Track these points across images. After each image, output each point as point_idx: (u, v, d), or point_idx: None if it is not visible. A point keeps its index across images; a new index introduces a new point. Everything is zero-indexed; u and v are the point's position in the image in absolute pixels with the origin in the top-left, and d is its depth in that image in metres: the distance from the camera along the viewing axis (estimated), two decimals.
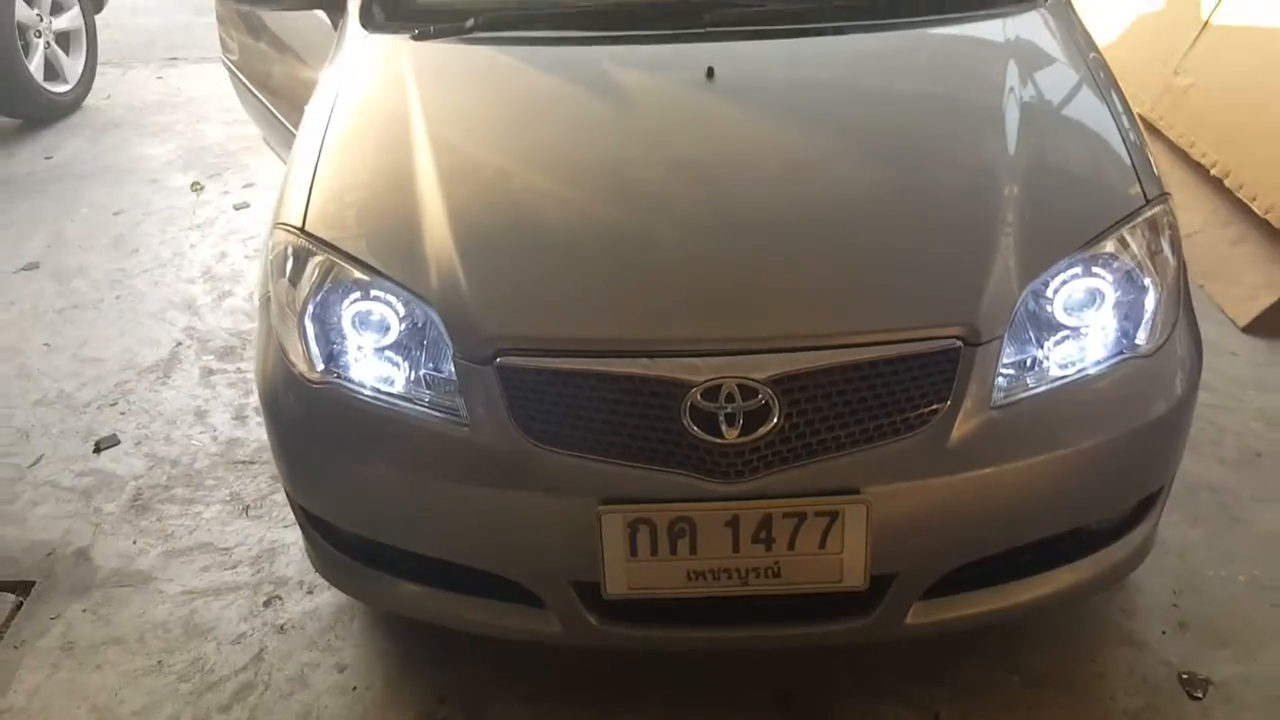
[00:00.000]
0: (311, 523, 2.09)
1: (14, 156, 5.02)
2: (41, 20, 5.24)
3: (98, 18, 5.76)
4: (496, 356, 1.78)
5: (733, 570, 1.80)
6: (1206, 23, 3.82)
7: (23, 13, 5.06)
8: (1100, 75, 2.28)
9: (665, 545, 1.77)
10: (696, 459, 1.75)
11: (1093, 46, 2.40)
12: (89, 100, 5.63)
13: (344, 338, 1.93)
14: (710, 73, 2.20)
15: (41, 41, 5.25)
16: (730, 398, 1.72)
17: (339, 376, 1.91)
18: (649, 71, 2.31)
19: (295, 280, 1.97)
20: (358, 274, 1.92)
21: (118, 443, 2.97)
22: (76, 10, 5.49)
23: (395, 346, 1.91)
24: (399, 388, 1.88)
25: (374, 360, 1.91)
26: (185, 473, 2.85)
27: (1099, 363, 1.86)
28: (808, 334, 1.76)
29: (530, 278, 1.87)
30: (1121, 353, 1.87)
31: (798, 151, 2.08)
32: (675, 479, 1.75)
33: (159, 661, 2.28)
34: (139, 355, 3.38)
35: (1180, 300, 1.96)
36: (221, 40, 3.94)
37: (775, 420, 1.73)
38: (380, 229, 2.00)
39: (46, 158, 5.00)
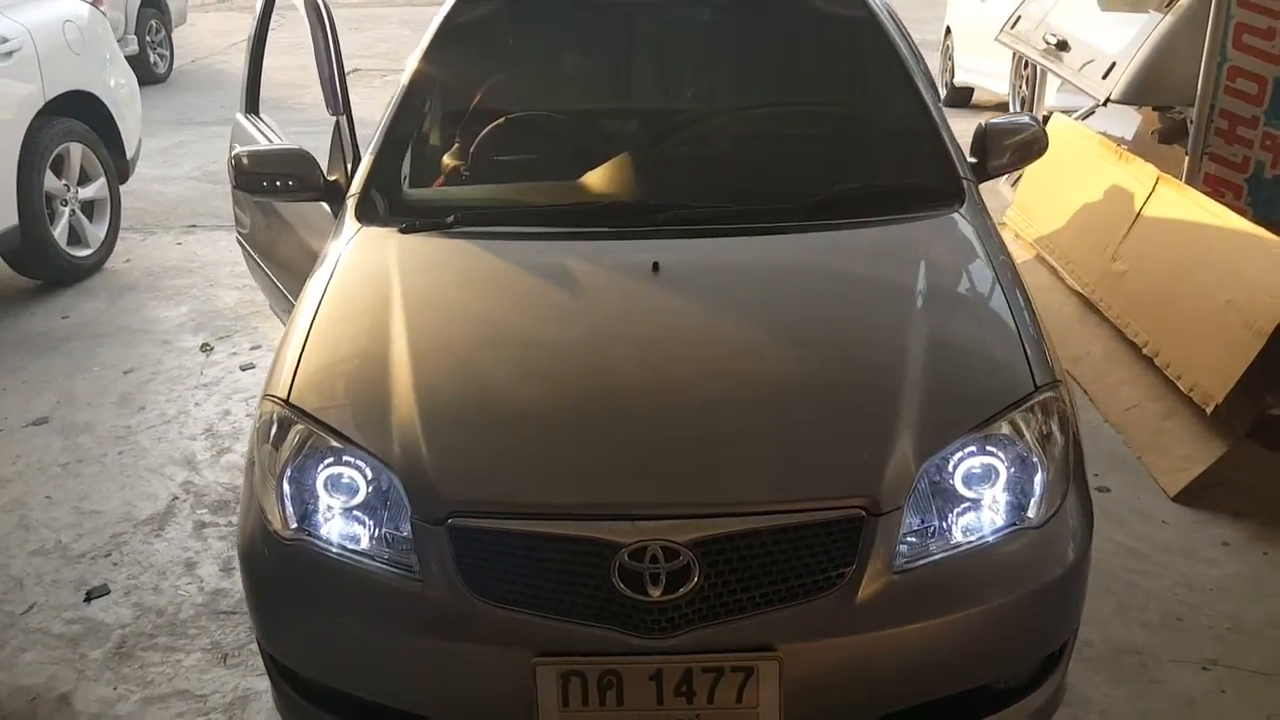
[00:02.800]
0: (279, 670, 2.26)
1: (33, 315, 5.33)
2: (69, 190, 5.63)
3: (125, 185, 6.17)
4: (449, 518, 2.00)
5: None
6: (1139, 214, 4.15)
7: (51, 183, 5.44)
8: (1005, 275, 2.54)
9: (595, 696, 1.95)
10: (624, 615, 1.94)
11: (1002, 249, 2.68)
12: (109, 263, 5.98)
13: (317, 499, 2.14)
14: (656, 266, 2.49)
15: (67, 210, 5.63)
16: (655, 559, 1.93)
17: (309, 534, 2.12)
18: (602, 264, 2.60)
19: (277, 445, 2.20)
20: (333, 442, 2.15)
21: (108, 592, 3.14)
22: (103, 181, 5.89)
23: (363, 507, 2.12)
24: (363, 545, 2.09)
25: (342, 520, 2.12)
26: (170, 621, 3.02)
27: (993, 533, 2.07)
28: (725, 502, 1.98)
29: (482, 448, 2.11)
30: (1014, 524, 2.08)
31: (727, 338, 2.34)
32: (605, 634, 1.94)
33: None
34: (136, 508, 3.58)
35: (1070, 475, 2.17)
36: (235, 215, 4.29)
37: (695, 580, 1.93)
38: (355, 402, 2.24)
39: (64, 317, 5.31)
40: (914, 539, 2.04)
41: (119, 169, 6.05)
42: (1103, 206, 4.47)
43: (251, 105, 4.09)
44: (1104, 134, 5.11)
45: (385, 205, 2.88)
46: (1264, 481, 3.53)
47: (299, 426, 2.19)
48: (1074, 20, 5.07)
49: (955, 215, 2.74)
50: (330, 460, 2.15)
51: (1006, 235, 5.45)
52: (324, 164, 3.07)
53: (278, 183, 2.96)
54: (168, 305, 5.47)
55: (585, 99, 3.31)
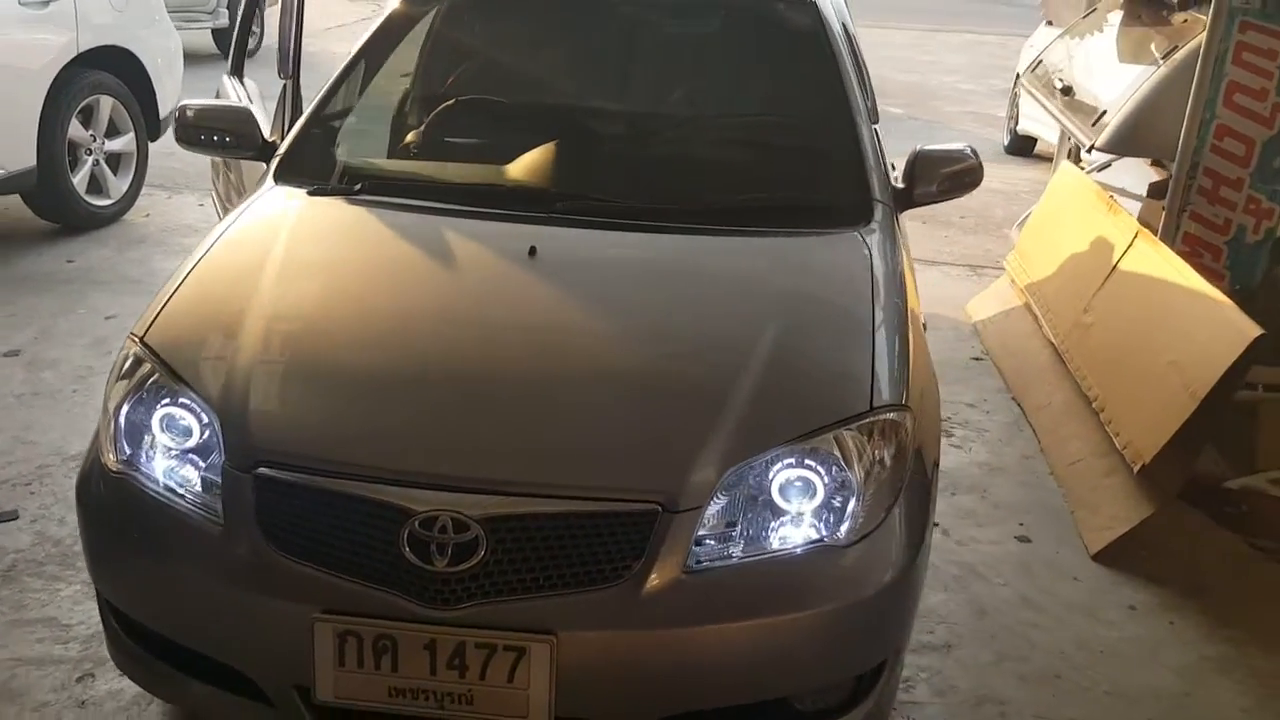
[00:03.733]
0: (108, 606, 2.30)
1: (40, 256, 5.51)
2: (94, 140, 5.82)
3: (160, 144, 6.34)
4: (256, 466, 2.02)
5: (430, 692, 1.97)
6: (1114, 267, 4.05)
7: (76, 131, 5.63)
8: (885, 299, 2.48)
9: (370, 659, 1.95)
10: (408, 582, 1.94)
11: (896, 276, 2.62)
12: (128, 216, 6.16)
13: (152, 436, 2.18)
14: (532, 251, 2.49)
15: (90, 159, 5.81)
16: (444, 529, 1.93)
17: (135, 469, 2.16)
18: (484, 243, 2.61)
19: (125, 380, 2.25)
20: (173, 383, 2.19)
21: (16, 518, 3.23)
22: (131, 136, 6.08)
23: (198, 450, 2.16)
24: (182, 487, 2.12)
25: (175, 461, 2.16)
26: (63, 553, 3.09)
27: (798, 545, 2.03)
28: (521, 481, 1.98)
29: (301, 402, 2.14)
30: (821, 539, 2.04)
31: (577, 325, 2.34)
32: (387, 598, 1.94)
33: None
34: (69, 444, 3.68)
35: (898, 500, 2.12)
36: (212, 167, 4.39)
37: (481, 555, 1.93)
38: (202, 348, 2.28)
39: (69, 261, 5.48)
40: (713, 541, 2.01)
41: (150, 126, 6.23)
42: (1086, 257, 4.37)
43: (237, 68, 4.19)
44: (1118, 187, 4.99)
45: (308, 168, 2.93)
46: (1191, 549, 3.42)
47: (146, 365, 2.24)
48: (1084, 67, 4.96)
49: (855, 234, 2.70)
50: (167, 400, 2.19)
51: (1002, 281, 5.36)
52: None
53: (215, 137, 3.03)
54: (171, 260, 5.59)
55: (526, 89, 3.33)
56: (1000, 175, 8.43)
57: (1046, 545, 3.44)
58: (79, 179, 5.73)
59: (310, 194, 2.79)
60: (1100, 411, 3.67)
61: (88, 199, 5.83)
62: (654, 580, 1.95)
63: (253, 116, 3.04)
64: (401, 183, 2.89)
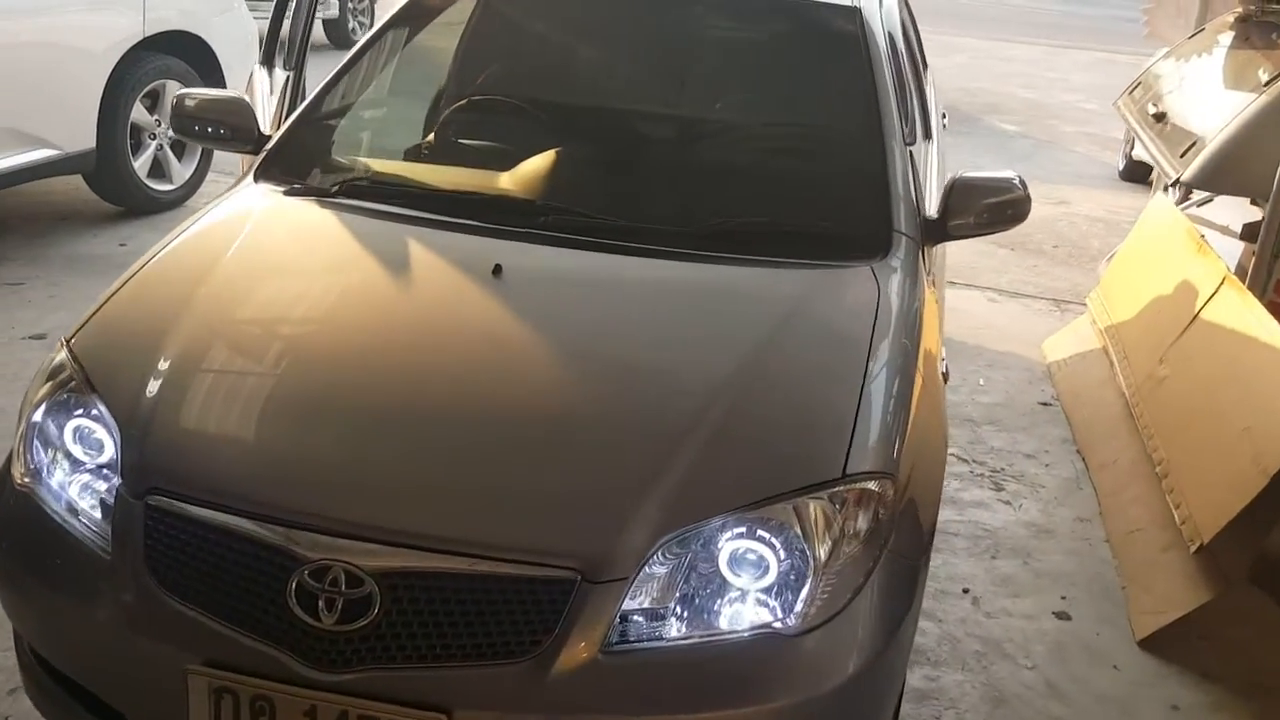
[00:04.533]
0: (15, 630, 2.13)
1: (95, 238, 5.51)
2: (159, 125, 5.80)
3: None
4: (149, 493, 1.83)
5: None
6: (1196, 315, 3.64)
7: (140, 115, 5.62)
8: (885, 348, 2.18)
9: None
10: (293, 638, 1.73)
11: (908, 320, 2.33)
12: (190, 201, 6.13)
13: (59, 449, 2.02)
14: (497, 270, 2.26)
15: (154, 144, 5.80)
16: (335, 582, 1.71)
17: (40, 483, 1.99)
18: (450, 259, 2.38)
19: (46, 385, 2.09)
20: (86, 394, 2.02)
21: None
22: None
23: (110, 467, 1.98)
24: (77, 508, 1.94)
25: (83, 476, 1.99)
26: None
27: (738, 631, 1.76)
28: (425, 534, 1.75)
29: (204, 425, 1.95)
30: (768, 625, 1.76)
31: (530, 355, 2.10)
32: (270, 654, 1.74)
33: None
34: None
35: (862, 585, 1.83)
36: None
37: (374, 614, 1.70)
38: (124, 357, 2.10)
39: (121, 244, 5.46)
40: (642, 619, 1.75)
41: None
42: (1169, 302, 3.96)
43: (268, 58, 4.06)
44: (1219, 225, 4.55)
45: (293, 165, 2.75)
46: (1254, 641, 3.01)
47: (66, 371, 2.08)
48: (1180, 92, 4.52)
49: (867, 269, 2.39)
50: (80, 411, 2.03)
51: (1082, 320, 4.94)
52: None
53: (210, 129, 2.87)
54: None
55: (543, 91, 3.10)
56: (1107, 203, 7.93)
57: (1088, 624, 3.08)
58: (140, 163, 5.71)
59: (286, 194, 2.61)
60: (1164, 478, 3.28)
61: (149, 183, 5.81)
62: (565, 659, 1.70)
63: (249, 109, 2.88)
64: (382, 186, 2.69)
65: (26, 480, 2.00)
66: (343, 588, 1.71)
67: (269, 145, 2.78)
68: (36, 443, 2.03)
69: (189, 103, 2.89)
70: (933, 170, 3.34)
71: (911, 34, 3.56)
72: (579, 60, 3.20)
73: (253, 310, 2.22)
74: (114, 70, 5.38)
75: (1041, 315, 5.58)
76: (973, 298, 5.75)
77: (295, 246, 2.46)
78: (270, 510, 1.78)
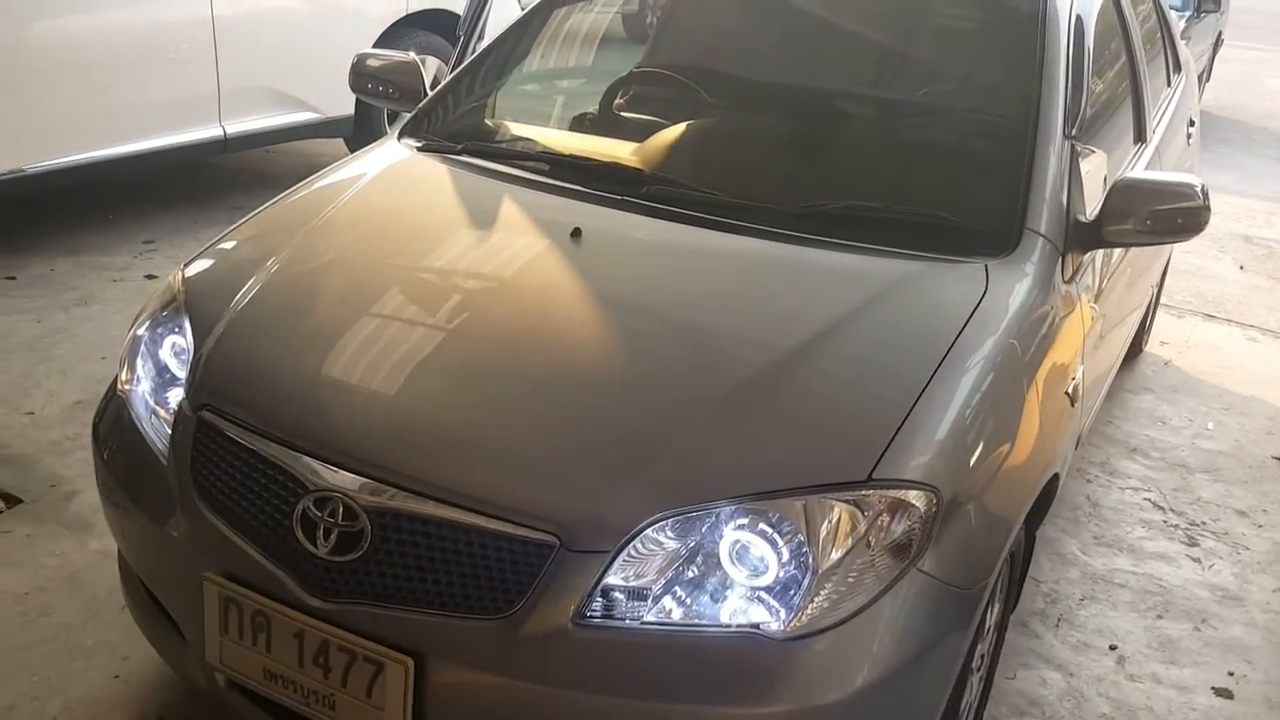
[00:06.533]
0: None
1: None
2: None
3: None
4: (201, 408, 1.94)
5: (297, 685, 1.80)
6: None
7: None
8: (973, 348, 1.97)
9: (248, 633, 1.82)
10: (295, 562, 1.78)
11: (1017, 322, 2.09)
12: None
13: (157, 361, 2.17)
14: (576, 233, 2.23)
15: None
16: (334, 513, 1.75)
17: (133, 391, 2.16)
18: (540, 220, 2.36)
19: (155, 304, 2.27)
20: (182, 314, 2.18)
21: None
22: None
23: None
24: (159, 413, 2.08)
25: (167, 388, 2.13)
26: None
27: (721, 626, 1.64)
28: (423, 479, 1.74)
29: (262, 351, 2.03)
30: (756, 625, 1.63)
31: (578, 319, 2.04)
32: (273, 573, 1.80)
33: None
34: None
35: (872, 602, 1.65)
36: None
37: (364, 549, 1.72)
38: (218, 282, 2.24)
39: None
40: (622, 596, 1.67)
41: None
42: None
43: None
44: None
45: (436, 125, 2.84)
46: None
47: (173, 292, 2.24)
48: None
49: (979, 267, 2.16)
50: (176, 329, 2.18)
51: None
52: None
53: (381, 88, 3.02)
54: None
55: (699, 65, 3.02)
56: None
57: (1251, 708, 2.67)
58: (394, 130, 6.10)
59: (420, 150, 2.69)
60: None
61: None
62: (535, 624, 1.64)
63: (418, 70, 3.00)
64: (500, 147, 2.72)
65: (126, 388, 2.17)
66: (339, 519, 1.74)
67: (421, 105, 2.88)
68: (139, 355, 2.20)
69: (369, 63, 3.05)
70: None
71: (1134, 28, 3.19)
72: (738, 36, 3.11)
73: (335, 252, 2.29)
74: (377, 42, 5.77)
75: None
76: (1230, 333, 5.15)
77: (398, 197, 2.54)
78: (295, 438, 1.83)
